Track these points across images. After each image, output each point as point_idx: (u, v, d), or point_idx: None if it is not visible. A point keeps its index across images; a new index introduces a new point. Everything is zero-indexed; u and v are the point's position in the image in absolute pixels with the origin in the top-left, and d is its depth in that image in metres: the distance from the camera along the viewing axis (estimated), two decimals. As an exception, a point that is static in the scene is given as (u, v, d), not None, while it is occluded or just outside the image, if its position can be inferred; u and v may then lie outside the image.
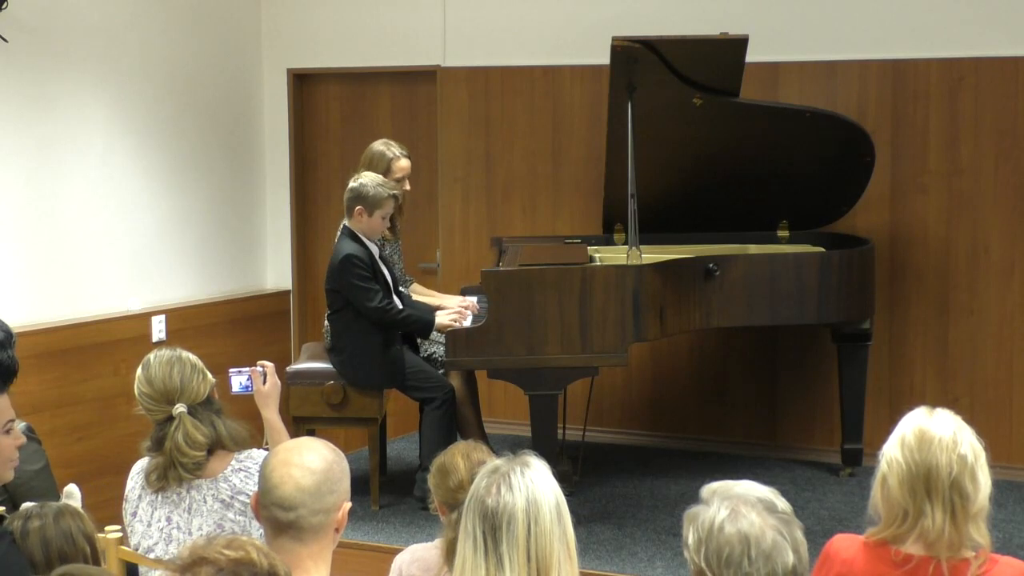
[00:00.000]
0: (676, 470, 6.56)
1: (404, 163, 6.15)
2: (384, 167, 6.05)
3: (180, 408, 3.67)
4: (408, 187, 6.19)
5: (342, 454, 2.86)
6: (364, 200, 5.71)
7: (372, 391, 5.86)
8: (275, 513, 2.73)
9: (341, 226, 5.87)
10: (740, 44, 5.95)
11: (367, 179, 5.76)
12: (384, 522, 5.77)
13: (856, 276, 6.13)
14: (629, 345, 5.57)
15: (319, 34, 7.85)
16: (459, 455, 3.45)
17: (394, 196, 5.78)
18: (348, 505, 2.81)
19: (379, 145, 6.17)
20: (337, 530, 2.79)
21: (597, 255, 6.26)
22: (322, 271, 6.31)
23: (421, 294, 6.37)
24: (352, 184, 5.77)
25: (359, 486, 5.71)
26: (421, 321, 5.80)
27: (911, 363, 6.65)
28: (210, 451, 3.68)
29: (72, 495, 3.34)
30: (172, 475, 3.67)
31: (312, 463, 2.76)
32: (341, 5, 7.76)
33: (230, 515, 3.65)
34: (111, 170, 7.02)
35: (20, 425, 4.00)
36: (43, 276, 6.67)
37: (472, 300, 6.16)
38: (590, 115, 7.14)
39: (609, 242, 6.58)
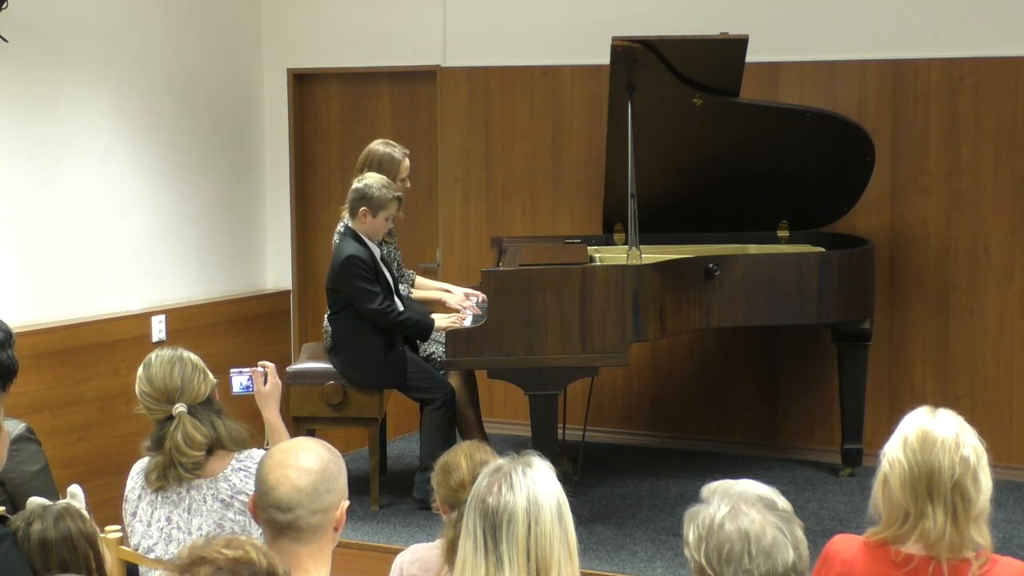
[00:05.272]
0: (676, 470, 6.56)
1: (407, 162, 6.17)
2: (396, 169, 6.05)
3: (180, 408, 3.68)
4: (409, 184, 6.20)
5: (338, 453, 2.86)
6: (369, 201, 5.71)
7: (372, 391, 5.86)
8: (273, 515, 2.73)
9: (342, 226, 5.87)
10: (740, 44, 5.95)
11: (372, 180, 5.76)
12: (384, 522, 5.77)
13: (856, 276, 6.13)
14: (629, 345, 5.56)
15: (319, 34, 7.85)
16: (462, 454, 3.46)
17: (398, 198, 5.78)
18: (346, 504, 2.82)
19: (383, 147, 6.14)
20: (336, 529, 2.80)
21: (597, 255, 6.26)
22: (322, 271, 6.32)
23: (425, 288, 6.36)
24: (357, 185, 5.77)
25: (359, 486, 5.72)
26: (421, 324, 5.81)
27: (911, 363, 6.65)
28: (210, 451, 3.69)
29: (76, 495, 3.33)
30: (172, 475, 3.67)
31: (308, 463, 2.76)
32: (341, 5, 7.76)
33: (230, 515, 3.65)
34: (111, 170, 7.02)
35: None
36: (43, 276, 6.67)
37: (474, 301, 6.16)
38: (590, 115, 7.14)
39: (609, 242, 6.58)
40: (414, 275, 6.40)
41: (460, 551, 2.64)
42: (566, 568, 2.61)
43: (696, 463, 6.65)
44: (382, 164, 6.06)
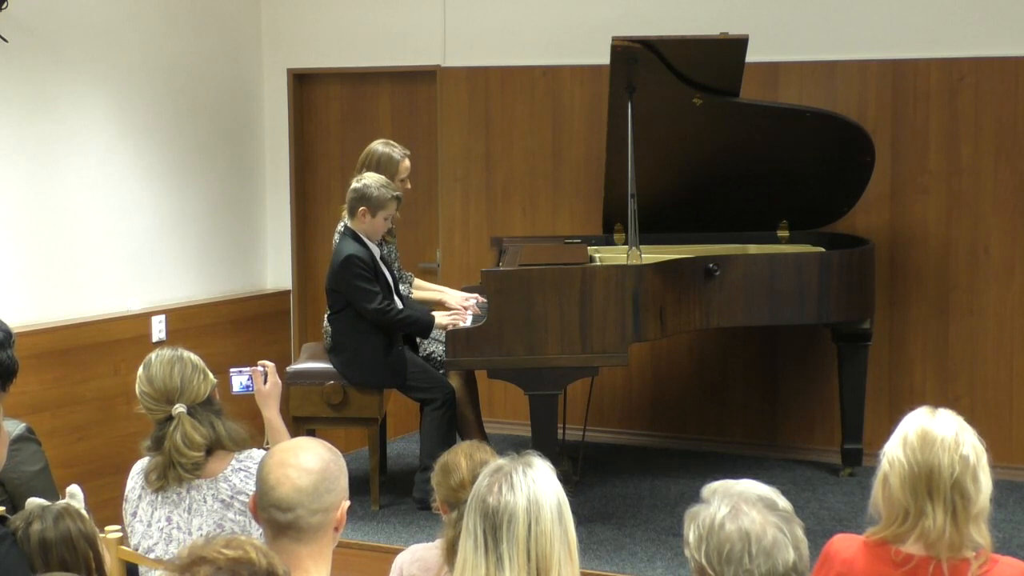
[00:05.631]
0: (676, 470, 6.56)
1: (408, 163, 6.17)
2: (394, 169, 6.05)
3: (179, 408, 3.67)
4: (409, 185, 6.20)
5: (339, 453, 2.86)
6: (368, 201, 5.71)
7: (372, 391, 5.86)
8: (273, 514, 2.73)
9: (341, 226, 5.87)
10: (740, 44, 5.95)
11: (371, 180, 5.76)
12: (384, 522, 5.77)
13: (856, 276, 6.13)
14: (629, 345, 5.56)
15: (319, 34, 7.85)
16: (462, 454, 3.46)
17: (397, 197, 5.79)
18: (347, 504, 2.82)
19: (383, 147, 6.14)
20: (336, 529, 2.80)
21: (597, 255, 6.26)
22: (322, 271, 6.32)
23: (422, 288, 6.37)
24: (355, 185, 5.77)
25: (359, 486, 5.72)
26: (421, 322, 5.81)
27: (911, 363, 6.65)
28: (209, 451, 3.68)
29: (75, 496, 3.33)
30: (171, 475, 3.67)
31: (308, 463, 2.77)
32: (341, 5, 7.76)
33: (230, 515, 3.65)
34: (111, 170, 7.02)
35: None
36: (43, 276, 6.67)
37: (473, 301, 6.16)
38: (590, 115, 7.14)
39: (609, 242, 6.58)
40: (412, 276, 6.40)
41: (460, 551, 2.64)
42: (566, 568, 2.61)
43: (696, 463, 6.65)
44: (380, 164, 6.06)
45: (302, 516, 2.72)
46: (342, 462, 2.85)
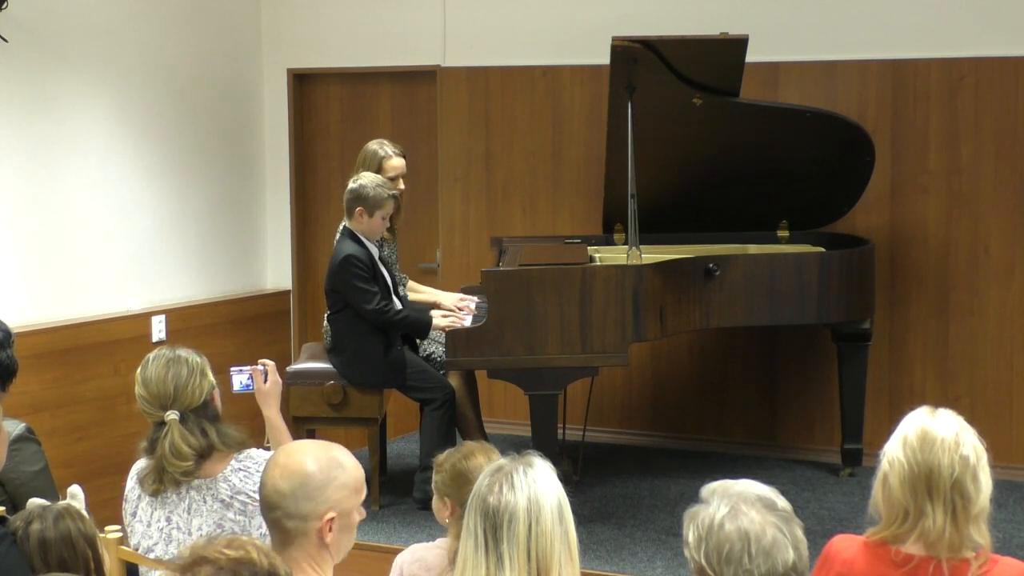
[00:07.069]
0: (676, 470, 6.56)
1: (397, 162, 6.14)
2: (376, 166, 6.05)
3: (171, 415, 3.62)
4: (403, 186, 6.17)
5: (344, 463, 2.79)
6: (364, 201, 5.71)
7: (372, 391, 5.86)
8: (263, 511, 2.79)
9: (340, 227, 5.87)
10: (740, 44, 5.95)
11: (367, 180, 5.77)
12: (384, 522, 5.77)
13: (856, 276, 6.13)
14: (629, 345, 5.56)
15: (319, 34, 7.85)
16: (481, 456, 3.45)
17: (394, 197, 5.79)
18: (332, 515, 2.74)
19: (373, 144, 6.17)
20: (322, 538, 2.74)
21: (597, 255, 6.26)
22: (322, 271, 6.32)
23: (416, 291, 6.36)
24: (352, 185, 5.78)
25: (359, 486, 5.72)
26: (419, 322, 5.81)
27: (911, 363, 6.65)
28: (203, 456, 3.66)
29: (76, 496, 3.33)
30: (167, 479, 3.66)
31: (295, 467, 2.75)
32: (341, 5, 7.76)
33: (230, 515, 3.64)
34: (111, 170, 7.02)
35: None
36: (43, 276, 6.67)
37: (469, 301, 6.16)
38: (590, 115, 7.14)
39: (609, 242, 6.58)
40: (406, 279, 6.38)
41: (461, 550, 2.64)
42: (566, 567, 2.61)
43: (696, 463, 6.65)
44: (367, 162, 6.08)
45: (280, 518, 2.73)
46: (338, 472, 2.77)
